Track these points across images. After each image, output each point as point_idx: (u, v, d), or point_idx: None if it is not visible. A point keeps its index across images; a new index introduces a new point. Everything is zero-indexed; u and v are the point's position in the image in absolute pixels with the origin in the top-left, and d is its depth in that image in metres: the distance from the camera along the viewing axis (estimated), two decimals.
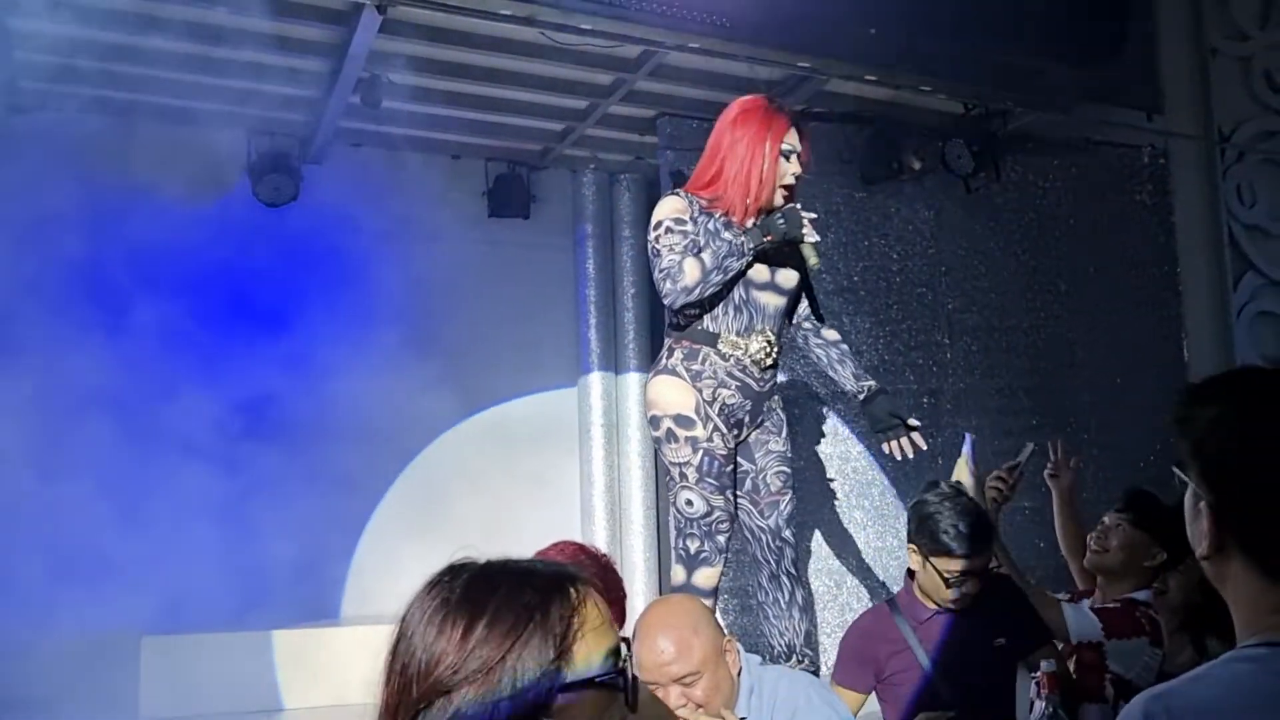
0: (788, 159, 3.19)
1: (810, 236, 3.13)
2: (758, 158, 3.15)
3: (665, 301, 3.14)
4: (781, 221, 3.10)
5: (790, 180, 3.21)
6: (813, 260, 3.21)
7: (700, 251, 3.09)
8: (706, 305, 3.17)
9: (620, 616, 2.21)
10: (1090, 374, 5.90)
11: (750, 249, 3.09)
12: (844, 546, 5.29)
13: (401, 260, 5.59)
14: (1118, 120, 5.94)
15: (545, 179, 6.25)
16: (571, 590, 1.12)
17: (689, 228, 3.13)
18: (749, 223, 3.15)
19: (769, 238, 3.10)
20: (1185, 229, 6.37)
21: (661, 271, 3.09)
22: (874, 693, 2.90)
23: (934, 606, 2.81)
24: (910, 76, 5.16)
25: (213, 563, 4.87)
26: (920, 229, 5.74)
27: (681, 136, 5.40)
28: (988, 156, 5.47)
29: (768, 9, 4.68)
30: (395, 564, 5.01)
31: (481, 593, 1.09)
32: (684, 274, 3.05)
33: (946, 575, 2.73)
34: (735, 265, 3.09)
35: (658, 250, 3.12)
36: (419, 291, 5.60)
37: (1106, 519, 3.25)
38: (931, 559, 2.76)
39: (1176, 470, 1.18)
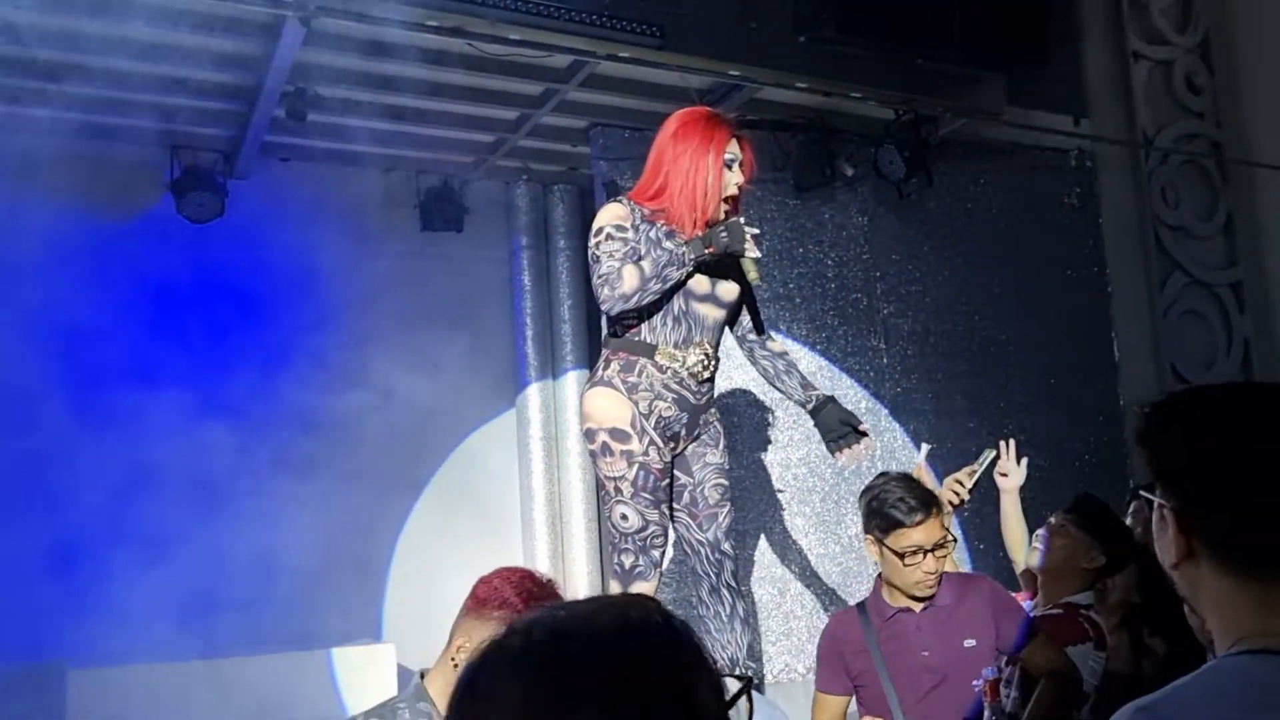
0: (730, 169, 3.18)
1: (752, 252, 3.11)
2: (701, 169, 3.13)
3: (603, 308, 3.10)
4: (724, 234, 3.08)
5: (733, 190, 3.20)
6: (753, 275, 3.19)
7: (640, 259, 3.07)
8: (645, 315, 3.14)
9: None
10: (1024, 374, 5.98)
11: (691, 259, 3.07)
12: (786, 554, 5.29)
13: (332, 276, 5.48)
14: (1045, 125, 6.03)
15: (478, 191, 6.17)
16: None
17: (629, 235, 3.11)
18: (695, 235, 3.13)
19: (710, 250, 3.08)
20: (1113, 231, 6.49)
21: (600, 278, 3.05)
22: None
23: (902, 605, 2.79)
24: (841, 84, 5.20)
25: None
26: (854, 235, 5.77)
27: (615, 146, 5.38)
28: (919, 162, 5.50)
29: (699, 17, 4.69)
30: (319, 594, 4.92)
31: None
32: (622, 280, 3.02)
33: (901, 551, 2.72)
34: (675, 275, 3.07)
35: (597, 256, 3.08)
36: (351, 308, 5.50)
37: (1053, 519, 3.29)
38: (886, 542, 2.75)
39: (1144, 492, 1.23)
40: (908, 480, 2.83)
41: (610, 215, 3.15)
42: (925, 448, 3.41)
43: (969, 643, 2.72)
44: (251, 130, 5.06)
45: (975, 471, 3.34)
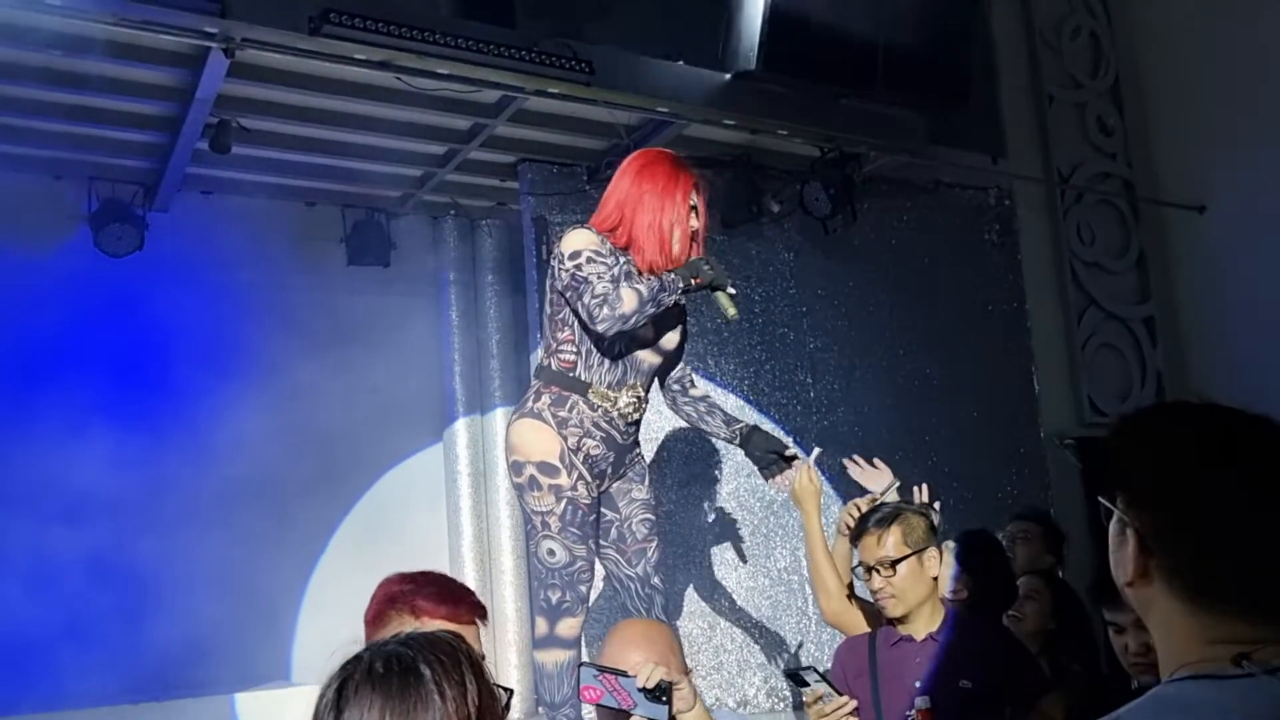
0: (691, 214, 3.22)
1: (730, 288, 3.15)
2: (669, 209, 3.16)
3: (599, 328, 3.03)
4: (708, 267, 3.12)
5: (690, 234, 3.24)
6: (731, 311, 3.20)
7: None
8: (583, 353, 3.15)
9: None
10: (948, 407, 6.06)
11: (680, 287, 3.09)
12: (716, 588, 5.28)
13: (255, 311, 5.39)
14: (966, 164, 6.17)
15: (405, 225, 6.12)
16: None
17: (609, 260, 3.12)
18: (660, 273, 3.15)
19: (697, 280, 3.11)
20: (1031, 267, 6.65)
21: (596, 297, 3.01)
22: None
23: (905, 632, 2.76)
24: (768, 121, 5.27)
25: None
26: (781, 270, 5.83)
27: (543, 181, 5.40)
28: (844, 199, 5.59)
29: (627, 54, 4.72)
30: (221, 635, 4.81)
31: None
32: (622, 301, 3.00)
33: (858, 565, 2.79)
34: (667, 301, 3.09)
35: (585, 277, 3.05)
36: (274, 343, 5.39)
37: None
38: (858, 562, 2.80)
39: (1103, 500, 1.21)
40: (894, 502, 2.91)
41: (585, 240, 3.15)
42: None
43: (965, 683, 2.65)
44: (173, 162, 4.97)
45: (876, 500, 3.34)
